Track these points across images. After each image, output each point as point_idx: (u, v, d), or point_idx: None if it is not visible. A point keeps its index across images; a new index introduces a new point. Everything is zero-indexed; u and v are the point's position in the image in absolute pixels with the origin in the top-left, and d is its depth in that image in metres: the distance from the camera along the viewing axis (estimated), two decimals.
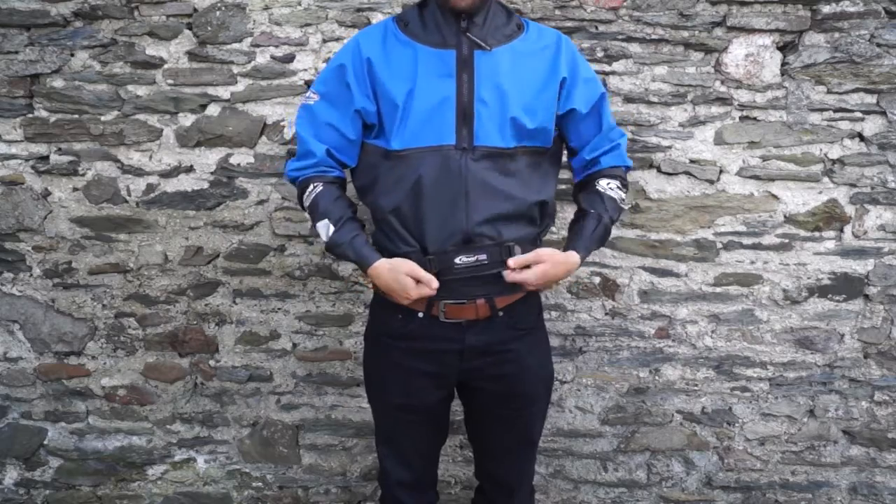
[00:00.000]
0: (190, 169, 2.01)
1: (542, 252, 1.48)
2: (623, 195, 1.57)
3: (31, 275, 2.10)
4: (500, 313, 1.52)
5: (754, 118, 1.96)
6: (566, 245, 1.54)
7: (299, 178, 1.56)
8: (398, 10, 1.87)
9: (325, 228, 1.50)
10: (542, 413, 1.70)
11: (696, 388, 2.18)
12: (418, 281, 1.42)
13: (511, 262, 1.45)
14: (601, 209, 1.53)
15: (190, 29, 1.90)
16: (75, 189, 2.03)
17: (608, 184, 1.55)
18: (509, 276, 1.45)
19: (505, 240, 1.46)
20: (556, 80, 1.48)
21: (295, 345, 2.17)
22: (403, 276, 1.43)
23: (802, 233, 2.04)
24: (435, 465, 1.79)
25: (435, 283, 1.42)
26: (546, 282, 1.48)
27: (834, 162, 1.99)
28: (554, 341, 2.14)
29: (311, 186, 1.52)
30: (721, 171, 2.00)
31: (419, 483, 1.74)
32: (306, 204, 1.54)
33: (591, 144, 1.57)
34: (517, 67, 1.45)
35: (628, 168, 1.63)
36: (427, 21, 1.46)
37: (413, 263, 1.43)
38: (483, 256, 1.45)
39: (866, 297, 2.09)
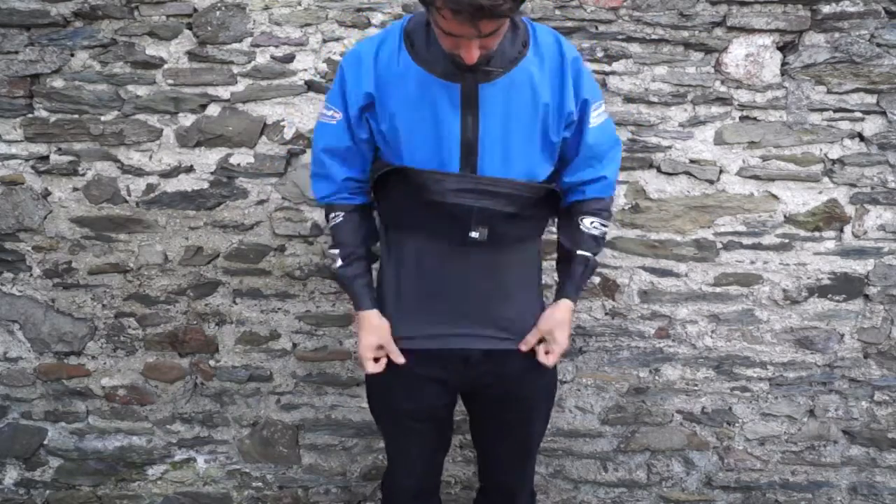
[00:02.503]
0: (190, 169, 2.01)
1: (542, 327, 1.54)
2: (606, 229, 1.56)
3: (31, 275, 2.10)
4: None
5: (754, 118, 1.96)
6: (557, 292, 1.58)
7: (323, 201, 1.57)
8: (398, 10, 1.87)
9: (335, 259, 1.55)
10: (543, 418, 1.69)
11: (696, 388, 2.18)
12: (379, 349, 1.53)
13: (522, 347, 1.54)
14: (586, 248, 1.53)
15: (190, 29, 1.90)
16: (75, 189, 2.03)
17: (591, 223, 1.53)
18: (544, 361, 1.55)
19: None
20: (563, 112, 1.42)
21: (295, 345, 2.17)
22: (374, 343, 1.52)
23: (802, 233, 2.04)
24: (439, 472, 1.79)
25: (401, 360, 1.52)
26: (566, 342, 1.55)
27: (834, 162, 1.99)
28: None
29: (333, 214, 1.56)
30: (721, 171, 2.00)
31: (423, 491, 1.73)
32: (328, 229, 1.60)
33: (572, 166, 1.51)
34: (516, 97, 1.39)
35: (613, 194, 1.58)
36: (432, 44, 1.35)
37: (389, 340, 1.52)
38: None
39: (866, 297, 2.09)
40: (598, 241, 1.54)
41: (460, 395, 1.66)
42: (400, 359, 1.51)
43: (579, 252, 1.52)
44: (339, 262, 1.54)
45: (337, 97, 1.45)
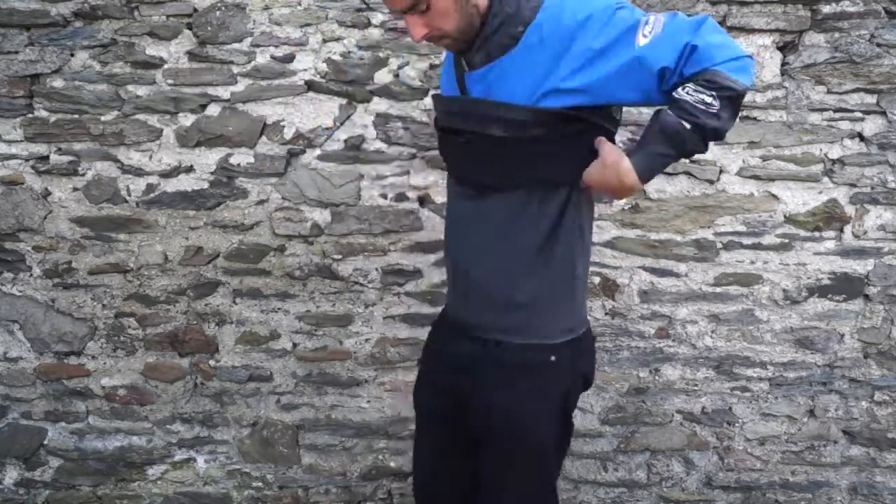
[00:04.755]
0: (190, 169, 2.01)
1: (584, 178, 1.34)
2: (709, 97, 1.18)
3: (31, 275, 2.10)
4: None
5: (754, 118, 1.96)
6: None
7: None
8: None
9: None
10: (521, 473, 1.42)
11: (696, 388, 2.18)
12: None
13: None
14: (670, 108, 1.23)
15: (190, 29, 1.90)
16: (75, 189, 2.03)
17: (685, 89, 1.20)
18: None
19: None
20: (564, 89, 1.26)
21: (295, 345, 2.17)
22: None
23: (802, 233, 2.04)
24: (440, 484, 1.58)
25: None
26: (600, 183, 1.31)
27: (834, 162, 1.99)
28: None
29: None
30: (721, 171, 2.00)
31: (419, 495, 1.62)
32: None
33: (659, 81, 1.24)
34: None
35: (718, 65, 1.18)
36: None
37: None
38: None
39: (866, 297, 2.09)
40: (689, 109, 1.19)
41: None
42: None
43: (659, 109, 1.26)
44: None
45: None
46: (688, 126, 1.20)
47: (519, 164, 1.31)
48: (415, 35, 1.27)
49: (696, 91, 1.18)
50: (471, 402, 1.41)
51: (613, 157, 1.28)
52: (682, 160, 1.96)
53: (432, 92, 1.85)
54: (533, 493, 1.43)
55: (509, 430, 1.39)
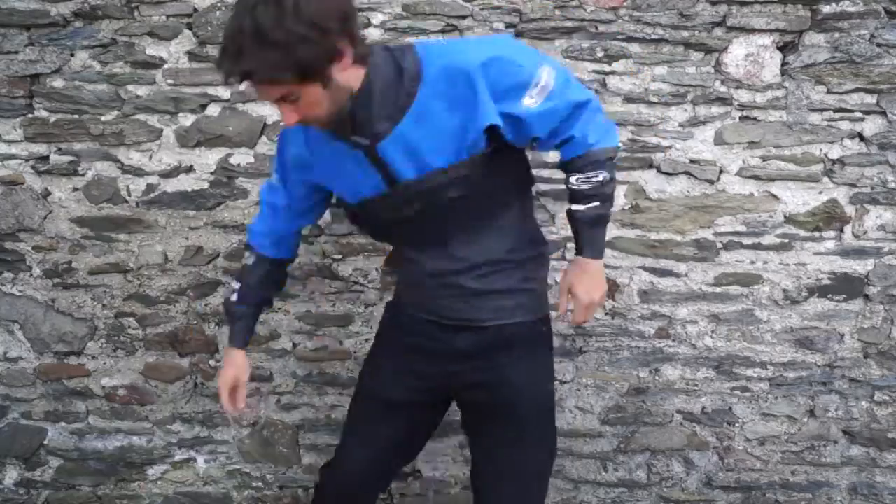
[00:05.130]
0: (190, 169, 2.01)
1: (563, 285, 1.54)
2: (599, 177, 1.41)
3: (31, 275, 2.10)
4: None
5: (754, 118, 1.96)
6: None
7: (248, 241, 1.70)
8: (398, 9, 1.87)
9: (233, 293, 1.67)
10: (534, 440, 1.57)
11: (696, 388, 2.18)
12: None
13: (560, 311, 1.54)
14: (576, 203, 1.45)
15: (190, 29, 1.90)
16: (75, 189, 2.03)
17: (576, 179, 1.43)
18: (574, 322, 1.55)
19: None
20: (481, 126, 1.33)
21: (295, 345, 2.17)
22: (231, 375, 1.67)
23: (802, 233, 2.04)
24: (374, 474, 1.70)
25: (242, 406, 1.69)
26: (584, 296, 1.50)
27: (834, 162, 1.99)
28: (554, 341, 2.13)
29: (248, 254, 1.68)
30: (721, 171, 2.00)
31: (342, 483, 1.70)
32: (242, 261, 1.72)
33: (540, 141, 1.43)
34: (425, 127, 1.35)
35: (592, 146, 1.40)
36: None
37: (244, 382, 1.68)
38: None
39: (866, 297, 2.09)
40: (586, 195, 1.43)
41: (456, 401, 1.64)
42: (241, 404, 1.69)
43: (569, 208, 1.47)
44: (234, 297, 1.66)
45: (276, 161, 1.57)
46: (597, 203, 1.44)
47: (478, 203, 1.42)
48: (288, 122, 1.30)
49: (587, 178, 1.42)
50: (483, 383, 1.52)
51: (583, 269, 1.50)
52: (683, 160, 1.99)
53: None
54: (552, 447, 1.64)
55: (535, 394, 1.56)
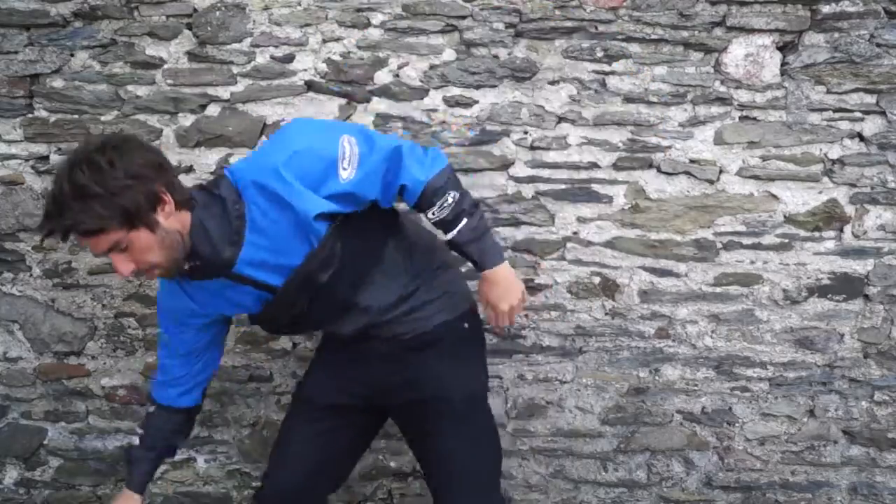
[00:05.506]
0: (190, 169, 2.01)
1: (482, 301, 1.59)
2: (448, 202, 1.45)
3: (31, 275, 2.10)
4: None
5: (754, 118, 1.96)
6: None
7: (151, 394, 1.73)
8: (398, 10, 1.87)
9: (137, 438, 1.68)
10: (474, 428, 1.62)
11: (696, 388, 2.18)
12: None
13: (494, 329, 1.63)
14: (445, 231, 1.50)
15: (190, 29, 1.90)
16: None
17: (431, 214, 1.47)
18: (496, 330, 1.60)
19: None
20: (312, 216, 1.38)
21: (295, 345, 2.17)
22: None
23: (802, 233, 2.04)
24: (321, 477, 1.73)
25: None
26: (499, 305, 1.55)
27: (834, 162, 1.99)
28: (554, 341, 2.14)
29: (150, 404, 1.72)
30: (721, 171, 2.00)
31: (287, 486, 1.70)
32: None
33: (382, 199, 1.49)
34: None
35: (426, 181, 1.44)
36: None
37: None
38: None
39: (866, 297, 2.09)
40: (450, 220, 1.47)
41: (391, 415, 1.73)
42: None
43: (445, 239, 1.52)
44: (137, 442, 1.67)
45: (162, 320, 1.65)
46: (465, 220, 1.47)
47: (355, 262, 1.48)
48: (123, 272, 1.34)
49: (440, 208, 1.45)
50: (412, 380, 1.57)
51: (491, 282, 1.53)
52: (683, 160, 1.99)
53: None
54: (495, 430, 1.68)
55: (464, 382, 1.62)
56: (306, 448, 1.66)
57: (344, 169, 1.37)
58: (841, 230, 2.04)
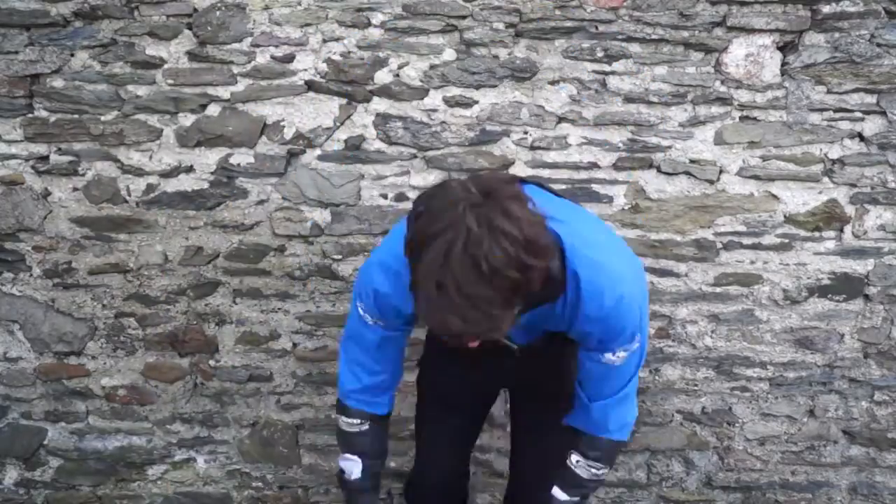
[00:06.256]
0: (190, 169, 2.01)
1: None
2: (601, 472, 1.50)
3: (31, 275, 2.10)
4: None
5: (754, 118, 1.96)
6: None
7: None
8: (398, 10, 1.86)
9: (352, 471, 1.65)
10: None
11: (696, 388, 2.18)
12: None
13: None
14: (563, 488, 1.51)
15: (190, 29, 1.90)
16: (75, 189, 2.03)
17: (576, 460, 1.49)
18: None
19: None
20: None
21: (295, 345, 2.17)
22: None
23: (802, 233, 2.04)
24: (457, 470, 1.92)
25: None
26: None
27: (834, 162, 1.99)
28: None
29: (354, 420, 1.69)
30: (721, 171, 2.00)
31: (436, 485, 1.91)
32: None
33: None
34: None
35: (609, 434, 1.49)
36: None
37: None
38: None
39: (866, 297, 2.09)
40: (581, 485, 1.51)
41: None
42: None
43: (551, 493, 1.52)
44: (357, 474, 1.65)
45: (370, 307, 1.49)
46: (578, 500, 1.55)
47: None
48: (474, 344, 1.22)
49: (588, 466, 1.49)
50: (531, 370, 1.61)
51: None
52: (683, 160, 1.99)
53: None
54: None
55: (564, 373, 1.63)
56: (446, 447, 1.82)
57: (613, 353, 1.43)
58: (841, 230, 2.04)
